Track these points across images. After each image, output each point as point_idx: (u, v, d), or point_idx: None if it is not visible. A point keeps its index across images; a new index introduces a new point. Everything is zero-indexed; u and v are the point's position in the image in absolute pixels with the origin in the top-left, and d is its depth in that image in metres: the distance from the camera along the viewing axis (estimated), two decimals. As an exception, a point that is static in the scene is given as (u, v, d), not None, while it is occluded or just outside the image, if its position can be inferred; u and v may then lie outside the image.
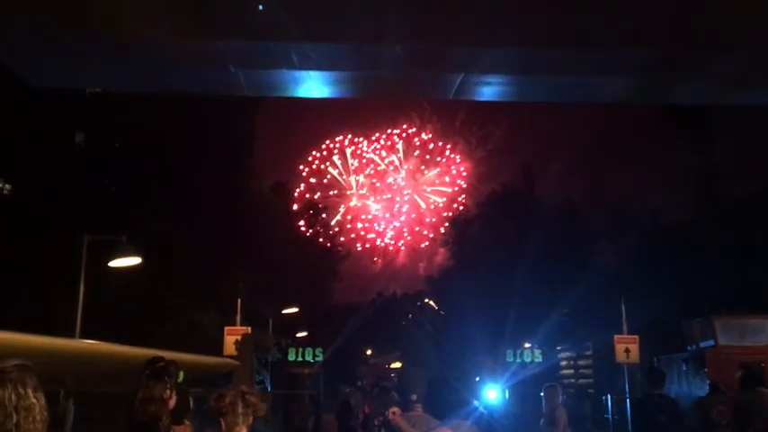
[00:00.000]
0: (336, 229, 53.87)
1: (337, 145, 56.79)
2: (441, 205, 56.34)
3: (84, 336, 11.45)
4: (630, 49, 6.54)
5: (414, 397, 4.47)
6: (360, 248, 58.49)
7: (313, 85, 7.26)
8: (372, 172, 57.37)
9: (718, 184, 26.88)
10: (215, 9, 5.78)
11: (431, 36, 6.31)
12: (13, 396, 2.38)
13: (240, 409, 3.95)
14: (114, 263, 11.40)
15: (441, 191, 57.01)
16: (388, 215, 57.50)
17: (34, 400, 2.44)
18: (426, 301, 53.40)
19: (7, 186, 18.98)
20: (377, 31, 6.26)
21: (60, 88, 16.87)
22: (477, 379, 25.93)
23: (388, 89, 7.65)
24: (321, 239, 43.02)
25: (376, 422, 4.38)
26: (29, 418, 2.40)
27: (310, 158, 56.37)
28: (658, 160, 26.83)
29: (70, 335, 11.26)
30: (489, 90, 7.44)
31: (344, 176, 57.59)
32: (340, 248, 49.62)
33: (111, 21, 5.98)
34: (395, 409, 4.34)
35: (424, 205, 57.50)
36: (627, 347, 17.44)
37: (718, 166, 26.95)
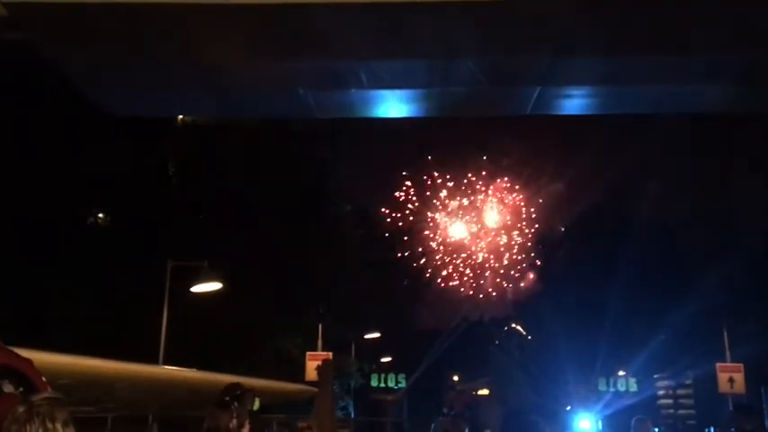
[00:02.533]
0: (421, 254, 53.39)
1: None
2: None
3: (170, 361, 11.63)
4: (731, 52, 5.96)
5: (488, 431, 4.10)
6: (445, 273, 57.63)
7: (384, 105, 7.05)
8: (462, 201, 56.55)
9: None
10: (282, 29, 5.68)
11: (504, 48, 5.98)
12: (40, 431, 2.25)
13: None
14: (196, 288, 11.59)
15: (532, 212, 55.56)
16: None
17: None
18: (513, 326, 51.99)
19: (102, 216, 19.91)
20: (448, 45, 5.99)
21: (152, 122, 17.65)
22: (569, 408, 24.83)
23: (462, 106, 7.34)
24: (405, 264, 42.71)
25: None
26: None
27: (397, 191, 56.17)
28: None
29: (155, 359, 11.48)
30: (570, 103, 7.00)
31: (430, 203, 57.14)
32: (425, 274, 49.05)
33: (184, 46, 6.00)
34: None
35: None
36: (731, 377, 16.25)
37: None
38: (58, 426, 2.30)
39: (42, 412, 2.29)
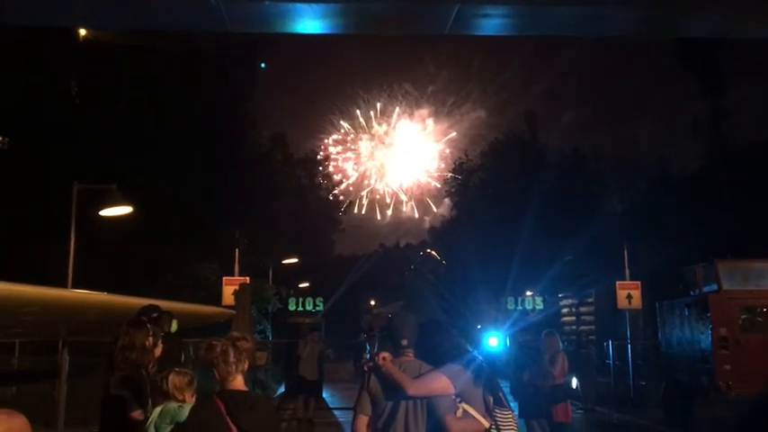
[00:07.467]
0: (341, 181, 53.63)
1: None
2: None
3: (81, 286, 11.30)
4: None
5: (404, 342, 4.23)
6: (364, 200, 58.18)
7: (299, 20, 6.85)
8: (382, 125, 56.69)
9: (728, 130, 26.35)
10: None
11: (424, -38, 5.88)
12: None
13: (232, 358, 3.64)
14: (105, 212, 11.19)
15: (452, 140, 56.58)
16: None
17: None
18: (429, 251, 53.39)
19: (2, 139, 18.67)
20: (367, -43, 5.83)
21: (53, 35, 16.47)
22: (479, 327, 25.98)
23: (381, 23, 7.22)
24: (323, 191, 42.65)
25: (365, 368, 4.14)
26: None
27: (318, 116, 55.57)
28: (668, 106, 26.25)
29: (63, 284, 11.12)
30: (488, 23, 7.01)
31: (351, 130, 57.01)
32: (342, 199, 49.32)
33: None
34: (385, 354, 4.10)
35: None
36: (629, 293, 17.36)
37: (730, 111, 26.34)
38: None
39: None
